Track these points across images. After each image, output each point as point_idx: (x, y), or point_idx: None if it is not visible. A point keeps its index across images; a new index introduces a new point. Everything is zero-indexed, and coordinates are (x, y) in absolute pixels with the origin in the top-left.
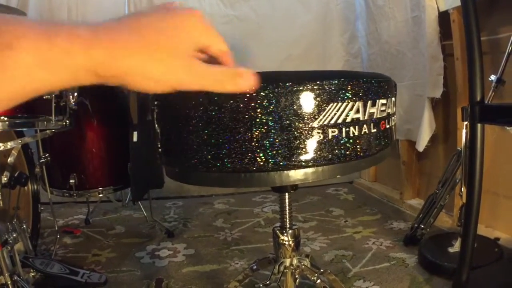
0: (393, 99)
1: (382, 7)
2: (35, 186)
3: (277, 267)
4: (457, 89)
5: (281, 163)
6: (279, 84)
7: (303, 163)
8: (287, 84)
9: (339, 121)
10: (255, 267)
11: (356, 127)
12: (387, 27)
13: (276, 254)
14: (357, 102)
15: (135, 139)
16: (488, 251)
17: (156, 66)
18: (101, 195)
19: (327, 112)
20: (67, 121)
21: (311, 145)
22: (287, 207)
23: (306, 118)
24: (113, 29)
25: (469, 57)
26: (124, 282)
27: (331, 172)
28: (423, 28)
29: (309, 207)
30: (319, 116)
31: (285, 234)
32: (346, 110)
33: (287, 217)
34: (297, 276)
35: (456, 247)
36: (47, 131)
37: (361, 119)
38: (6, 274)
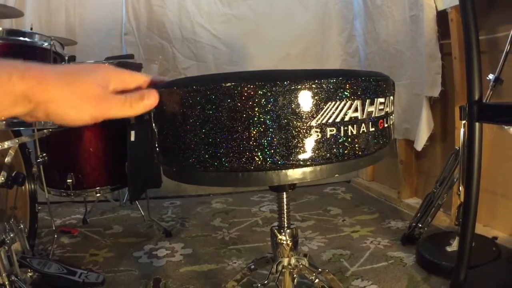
0: (392, 98)
1: (380, 6)
2: (33, 186)
3: (275, 267)
4: (455, 88)
5: (279, 162)
6: (277, 82)
7: (301, 162)
8: (285, 82)
9: (337, 120)
10: (253, 266)
11: (355, 126)
12: (385, 26)
13: (274, 254)
14: (355, 101)
15: (132, 138)
16: (486, 250)
17: (73, 95)
18: (98, 195)
19: (325, 111)
20: None
21: (309, 144)
22: (285, 207)
23: (304, 117)
24: (42, 66)
25: (467, 56)
26: (122, 282)
27: (329, 171)
28: (421, 27)
29: (307, 206)
30: (317, 115)
31: (283, 234)
32: (345, 109)
33: (285, 216)
34: (295, 275)
35: (454, 246)
36: (44, 130)
37: (359, 118)
38: (4, 274)
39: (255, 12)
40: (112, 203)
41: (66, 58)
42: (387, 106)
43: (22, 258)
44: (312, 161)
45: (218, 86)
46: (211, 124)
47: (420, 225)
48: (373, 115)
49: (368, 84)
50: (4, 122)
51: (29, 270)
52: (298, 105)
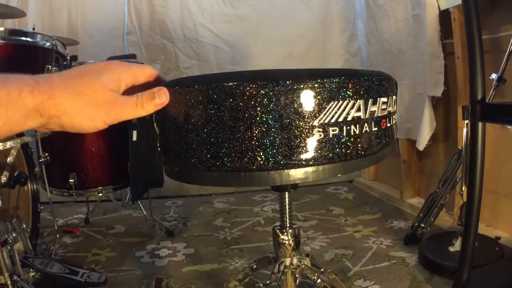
0: (394, 97)
1: (383, 5)
2: (35, 186)
3: (277, 267)
4: (457, 87)
5: (281, 162)
6: (279, 82)
7: (304, 162)
8: (288, 82)
9: (340, 119)
10: (255, 266)
11: (357, 125)
12: (387, 25)
13: (276, 254)
14: (358, 101)
15: (134, 138)
16: (489, 250)
17: (83, 104)
18: (100, 195)
19: (328, 111)
20: None
21: (312, 144)
22: (287, 206)
23: (306, 117)
24: (48, 78)
25: (470, 56)
26: (124, 282)
27: (331, 171)
28: (423, 26)
29: (309, 206)
30: (319, 115)
31: (285, 233)
32: (347, 109)
33: (287, 216)
34: (297, 275)
35: (456, 246)
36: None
37: (362, 117)
38: (6, 274)
39: (257, 11)
40: (114, 203)
41: (68, 58)
42: (389, 106)
43: (24, 258)
44: (314, 161)
45: (220, 86)
46: (213, 124)
47: (422, 225)
48: (375, 115)
49: (370, 83)
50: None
51: (32, 270)
52: (300, 105)
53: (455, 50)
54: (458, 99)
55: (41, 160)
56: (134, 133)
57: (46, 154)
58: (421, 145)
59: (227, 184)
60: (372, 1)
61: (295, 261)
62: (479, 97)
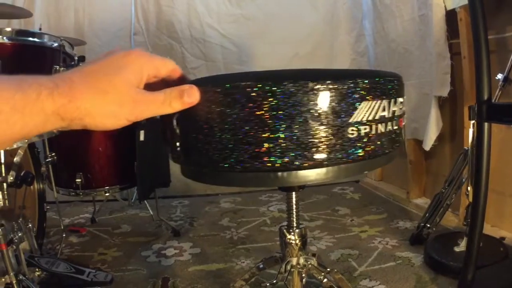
0: (405, 97)
1: (389, 5)
2: (41, 185)
3: (283, 266)
4: (464, 88)
5: (320, 160)
6: (319, 81)
7: (340, 160)
8: (328, 81)
9: (370, 118)
10: (261, 266)
11: (383, 124)
12: (394, 25)
13: (282, 253)
14: (384, 100)
15: (142, 138)
16: (494, 250)
17: (106, 103)
18: (107, 194)
19: (360, 110)
20: None
21: (346, 142)
22: (294, 206)
23: (342, 115)
24: (67, 78)
25: (476, 56)
26: (130, 281)
27: (360, 168)
28: (430, 26)
29: (315, 206)
30: (354, 114)
31: (292, 233)
32: (376, 108)
33: (294, 216)
34: (303, 275)
35: (462, 246)
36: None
37: (386, 116)
38: (11, 273)
39: (264, 11)
40: (120, 203)
41: (76, 58)
42: (404, 106)
43: (30, 257)
44: (347, 159)
45: (261, 84)
46: (252, 123)
47: (428, 225)
48: (395, 114)
49: (393, 84)
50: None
51: (37, 269)
52: (339, 103)
53: (461, 50)
54: (464, 99)
55: (48, 159)
56: (142, 133)
57: (53, 154)
58: (428, 145)
59: (263, 185)
60: (378, 1)
61: (301, 260)
62: (485, 97)
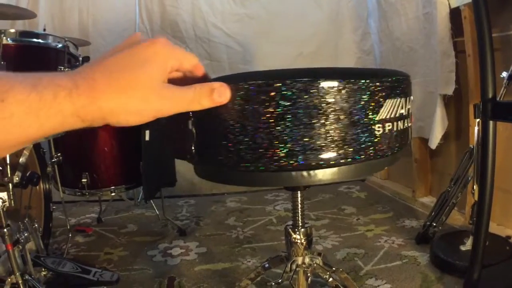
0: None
1: (394, 4)
2: (47, 186)
3: (289, 266)
4: (469, 86)
5: (354, 156)
6: (350, 80)
7: (371, 156)
8: (363, 80)
9: (392, 116)
10: (267, 265)
11: (402, 121)
12: (398, 23)
13: (288, 252)
14: (402, 98)
15: (147, 138)
16: (500, 249)
17: (131, 101)
18: (113, 194)
19: (385, 108)
20: None
21: (372, 138)
22: (300, 205)
23: (371, 113)
24: (88, 75)
25: (481, 54)
26: (136, 281)
27: (382, 164)
28: (434, 24)
29: (321, 205)
30: (380, 111)
31: (298, 233)
32: (397, 106)
33: (299, 215)
34: (309, 274)
35: (468, 245)
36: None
37: (403, 114)
38: (17, 273)
39: (268, 10)
40: (126, 202)
41: (80, 59)
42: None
43: (36, 257)
44: (375, 156)
45: (295, 82)
46: (287, 121)
47: (434, 224)
48: (409, 112)
49: (408, 82)
50: None
51: (43, 269)
52: (368, 101)
53: (466, 48)
54: (469, 97)
55: (53, 160)
56: (147, 133)
57: (59, 154)
58: (433, 143)
59: (297, 184)
60: None
61: (307, 260)
62: (490, 95)
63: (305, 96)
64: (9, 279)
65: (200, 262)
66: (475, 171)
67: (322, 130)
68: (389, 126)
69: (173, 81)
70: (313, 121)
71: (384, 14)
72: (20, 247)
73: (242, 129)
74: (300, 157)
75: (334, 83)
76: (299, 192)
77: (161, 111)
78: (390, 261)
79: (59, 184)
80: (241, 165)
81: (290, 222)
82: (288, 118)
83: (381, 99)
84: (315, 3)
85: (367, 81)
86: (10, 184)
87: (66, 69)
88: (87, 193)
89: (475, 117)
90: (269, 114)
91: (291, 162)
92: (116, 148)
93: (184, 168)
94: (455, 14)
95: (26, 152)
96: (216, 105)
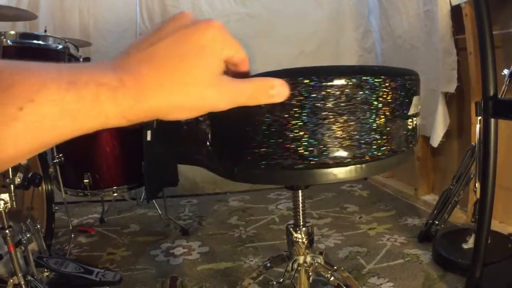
0: None
1: (395, 1)
2: (49, 186)
3: (290, 265)
4: (471, 83)
5: (397, 150)
6: (398, 77)
7: (395, 151)
8: (406, 77)
9: (411, 113)
10: (269, 264)
11: (418, 118)
12: (399, 21)
13: (289, 252)
14: (416, 96)
15: (149, 138)
16: (502, 247)
17: (186, 98)
18: (115, 194)
19: (413, 104)
20: None
21: (406, 133)
22: (301, 205)
23: (400, 110)
24: (134, 69)
25: (482, 51)
26: (139, 280)
27: (399, 159)
28: (435, 22)
29: (323, 203)
30: (408, 108)
31: (299, 232)
32: (417, 103)
33: (301, 214)
34: (310, 273)
35: (470, 243)
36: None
37: (416, 112)
38: (20, 274)
39: (269, 9)
40: (129, 202)
41: (81, 60)
42: None
43: (38, 258)
44: (398, 149)
45: (355, 78)
46: (345, 117)
47: (436, 222)
48: (419, 109)
49: (419, 81)
50: None
51: (46, 270)
52: (404, 98)
53: (467, 46)
54: (471, 95)
55: (55, 160)
56: (149, 133)
57: (61, 155)
58: (435, 141)
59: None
60: None
61: (308, 259)
62: (491, 93)
63: (360, 92)
64: (11, 280)
65: (203, 261)
66: (477, 169)
67: (374, 125)
68: (415, 121)
69: None
70: (365, 116)
71: (385, 11)
72: (23, 248)
73: (303, 126)
74: (362, 150)
75: (386, 80)
76: (300, 191)
77: (217, 107)
78: (393, 259)
79: (61, 185)
80: (330, 163)
81: (292, 222)
82: (346, 114)
83: (411, 96)
84: (316, 2)
85: (405, 77)
86: (12, 185)
87: None
88: (89, 194)
89: (476, 115)
90: (329, 110)
91: (358, 154)
92: (118, 148)
93: (186, 168)
94: (456, 11)
95: None
96: (272, 102)
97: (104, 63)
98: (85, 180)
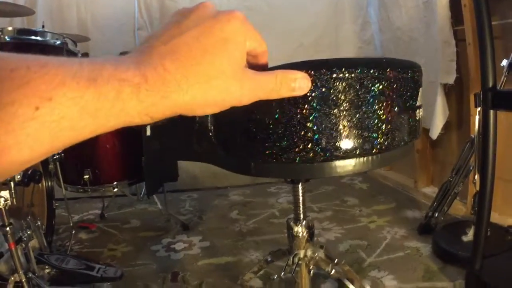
0: None
1: None
2: (49, 183)
3: (291, 259)
4: (470, 75)
5: (402, 142)
6: (409, 70)
7: (402, 143)
8: (410, 70)
9: (417, 104)
10: (269, 258)
11: (420, 110)
12: (398, 13)
13: (290, 246)
14: (421, 88)
15: (148, 133)
16: (501, 239)
17: (210, 92)
18: (115, 190)
19: (419, 95)
20: None
21: (415, 124)
22: (301, 198)
23: (411, 101)
24: (157, 63)
25: (480, 42)
26: (140, 276)
27: (407, 151)
28: (434, 13)
29: (324, 197)
30: (416, 99)
31: (299, 225)
32: (420, 95)
33: (301, 208)
34: (311, 267)
35: (469, 235)
36: None
37: (419, 104)
38: (21, 272)
39: (268, 2)
40: (129, 198)
41: (79, 55)
42: None
43: (39, 255)
44: (409, 140)
45: (371, 71)
46: (364, 108)
47: (436, 215)
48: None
49: (422, 72)
50: None
51: (47, 267)
52: (413, 89)
53: (466, 37)
54: (470, 86)
55: (55, 157)
56: (148, 127)
57: (60, 152)
58: (434, 133)
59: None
60: None
61: (309, 252)
62: (490, 84)
63: (377, 85)
64: (12, 278)
65: (204, 256)
66: (476, 161)
67: (384, 116)
68: (421, 112)
69: None
70: (380, 108)
71: (384, 3)
72: (23, 245)
73: (325, 118)
74: (375, 142)
75: (400, 72)
76: (300, 184)
77: (241, 101)
78: (393, 252)
79: (61, 181)
80: (351, 153)
81: (292, 215)
82: (364, 105)
83: (419, 88)
84: None
85: (414, 69)
86: (12, 182)
87: None
88: (89, 190)
89: (475, 106)
90: (348, 101)
91: (365, 147)
92: (118, 143)
93: (186, 162)
94: (455, 2)
95: None
96: (292, 95)
97: (125, 57)
98: (85, 176)
